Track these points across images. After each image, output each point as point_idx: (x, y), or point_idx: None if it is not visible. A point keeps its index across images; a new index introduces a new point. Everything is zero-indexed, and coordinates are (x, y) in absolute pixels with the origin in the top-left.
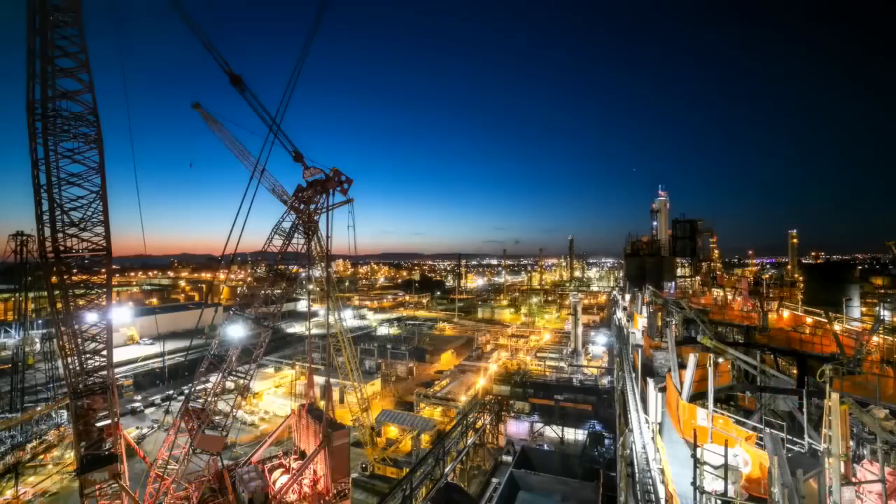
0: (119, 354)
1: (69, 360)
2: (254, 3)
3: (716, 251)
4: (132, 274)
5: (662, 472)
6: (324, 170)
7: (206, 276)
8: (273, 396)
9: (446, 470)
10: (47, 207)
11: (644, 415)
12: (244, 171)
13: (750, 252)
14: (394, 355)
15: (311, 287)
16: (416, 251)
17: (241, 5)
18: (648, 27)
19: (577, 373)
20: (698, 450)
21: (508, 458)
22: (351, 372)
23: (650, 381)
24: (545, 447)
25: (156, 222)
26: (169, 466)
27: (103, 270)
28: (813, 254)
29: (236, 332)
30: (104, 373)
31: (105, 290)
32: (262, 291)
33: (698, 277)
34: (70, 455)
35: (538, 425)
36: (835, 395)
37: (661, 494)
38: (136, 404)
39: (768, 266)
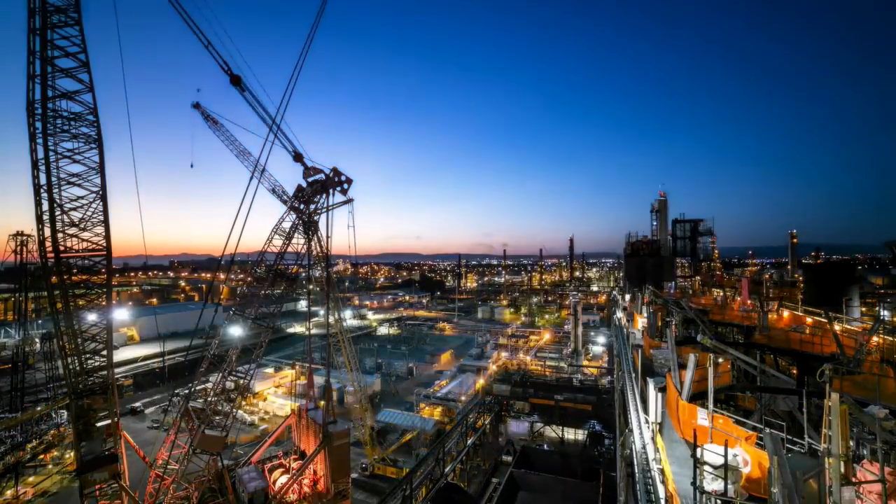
0: (119, 354)
1: (69, 360)
2: (253, 2)
3: (716, 251)
4: (132, 274)
5: (662, 472)
6: (324, 170)
7: (206, 276)
8: (273, 396)
9: (446, 470)
10: (47, 208)
11: (644, 415)
12: (245, 171)
13: (750, 252)
14: (394, 355)
15: (311, 287)
16: (416, 252)
17: (241, 4)
18: (649, 23)
19: (577, 373)
20: (698, 450)
21: (508, 458)
22: (350, 372)
23: (650, 381)
24: (545, 447)
25: (156, 222)
26: (169, 466)
27: (103, 270)
28: (813, 254)
29: (236, 332)
30: (104, 373)
31: (105, 290)
32: (262, 292)
33: (698, 277)
34: (70, 455)
35: (538, 425)
36: (835, 395)
37: (661, 494)
38: (136, 404)
39: (768, 266)
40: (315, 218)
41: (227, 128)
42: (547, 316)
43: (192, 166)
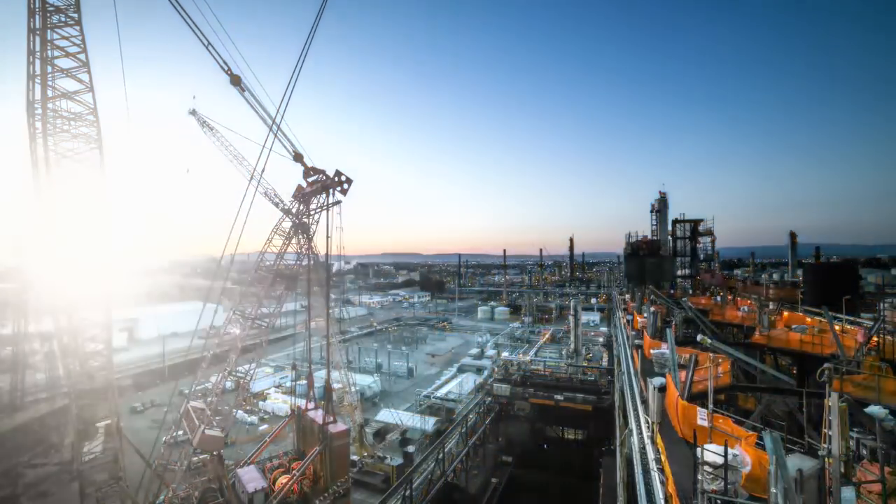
0: (119, 354)
1: (69, 360)
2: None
3: (716, 252)
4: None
5: (662, 471)
6: (324, 170)
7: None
8: (273, 396)
9: (446, 470)
10: None
11: (644, 415)
12: (242, 172)
13: (752, 254)
14: (394, 355)
15: (312, 288)
16: (416, 251)
17: (240, 3)
18: (649, 21)
19: (577, 372)
20: (698, 450)
21: (508, 459)
22: (340, 368)
23: (650, 381)
24: (545, 447)
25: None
26: (169, 467)
27: None
28: (813, 254)
29: (236, 332)
30: (104, 373)
31: None
32: (262, 292)
33: (698, 278)
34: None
35: (538, 425)
36: (835, 395)
37: (661, 494)
38: (136, 404)
39: (768, 266)
40: (315, 217)
41: (222, 133)
42: (546, 316)
43: (188, 171)
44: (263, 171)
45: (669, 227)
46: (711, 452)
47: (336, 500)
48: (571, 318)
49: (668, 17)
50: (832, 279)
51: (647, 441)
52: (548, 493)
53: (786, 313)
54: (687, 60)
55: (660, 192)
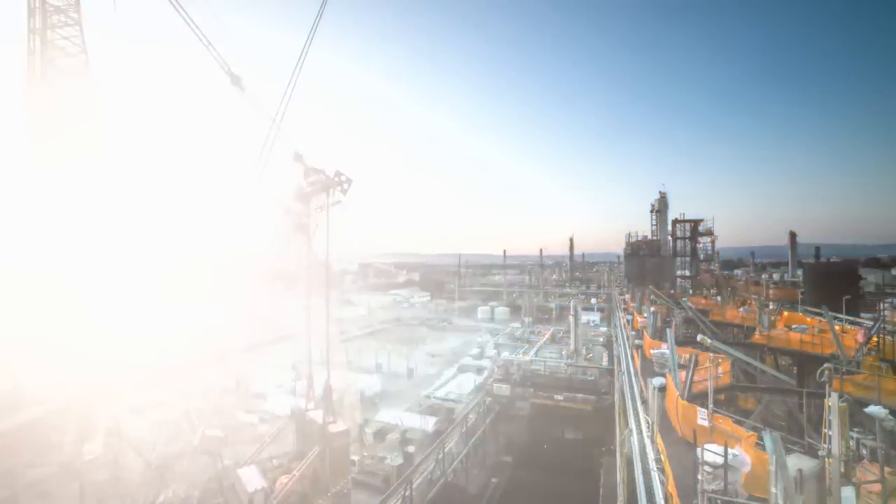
0: (119, 354)
1: (70, 360)
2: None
3: (716, 252)
4: None
5: (662, 471)
6: (324, 170)
7: None
8: (273, 396)
9: (446, 470)
10: None
11: (644, 415)
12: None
13: (752, 254)
14: (394, 354)
15: (310, 288)
16: (416, 251)
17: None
18: (648, 21)
19: (577, 372)
20: (698, 450)
21: (508, 459)
22: (340, 368)
23: (650, 381)
24: (546, 447)
25: None
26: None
27: None
28: (813, 254)
29: (236, 332)
30: (104, 373)
31: None
32: (262, 291)
33: (698, 277)
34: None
35: (538, 425)
36: (835, 395)
37: (661, 494)
38: (136, 404)
39: (768, 266)
40: (315, 217)
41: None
42: (546, 315)
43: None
44: (263, 171)
45: (669, 227)
46: (711, 452)
47: (336, 501)
48: (571, 318)
49: (668, 16)
50: (832, 279)
51: (647, 441)
52: (548, 493)
53: (786, 313)
54: (687, 60)
55: (660, 192)
